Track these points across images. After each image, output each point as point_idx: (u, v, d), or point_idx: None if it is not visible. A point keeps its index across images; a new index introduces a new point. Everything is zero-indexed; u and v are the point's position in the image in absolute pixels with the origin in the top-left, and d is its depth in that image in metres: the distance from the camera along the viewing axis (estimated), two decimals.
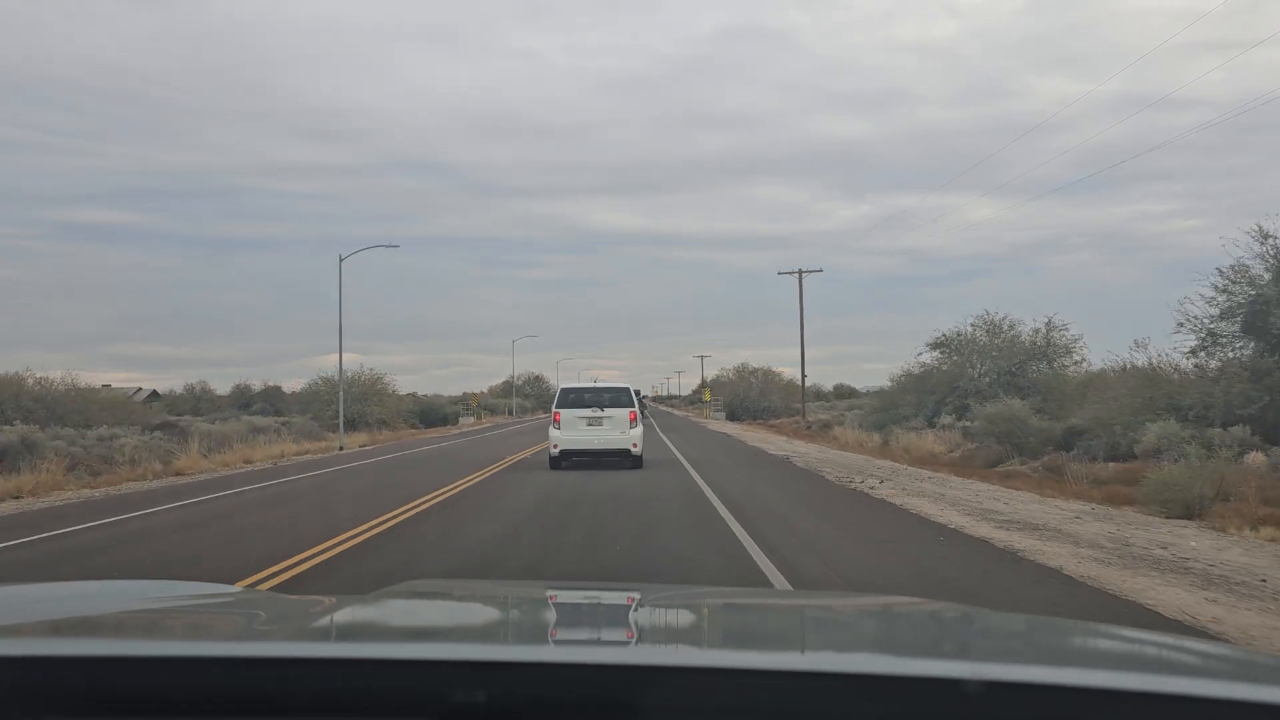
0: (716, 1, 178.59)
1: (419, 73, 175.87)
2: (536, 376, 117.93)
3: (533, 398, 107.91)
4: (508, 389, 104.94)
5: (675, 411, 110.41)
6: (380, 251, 36.12)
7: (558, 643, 1.63)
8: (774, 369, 70.16)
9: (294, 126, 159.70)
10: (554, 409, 20.11)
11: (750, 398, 65.79)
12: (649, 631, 1.75)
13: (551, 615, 1.98)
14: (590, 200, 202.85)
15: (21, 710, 1.04)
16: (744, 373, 71.76)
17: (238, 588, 1.98)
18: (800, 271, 49.76)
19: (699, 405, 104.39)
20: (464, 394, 67.80)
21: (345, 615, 1.76)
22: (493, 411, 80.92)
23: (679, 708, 1.11)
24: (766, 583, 7.57)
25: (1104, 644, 1.71)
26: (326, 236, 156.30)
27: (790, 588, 7.38)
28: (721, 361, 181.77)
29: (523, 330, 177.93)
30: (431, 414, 60.94)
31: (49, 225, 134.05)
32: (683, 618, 1.92)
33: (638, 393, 21.63)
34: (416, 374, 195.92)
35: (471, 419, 65.01)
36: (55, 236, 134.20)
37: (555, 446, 19.66)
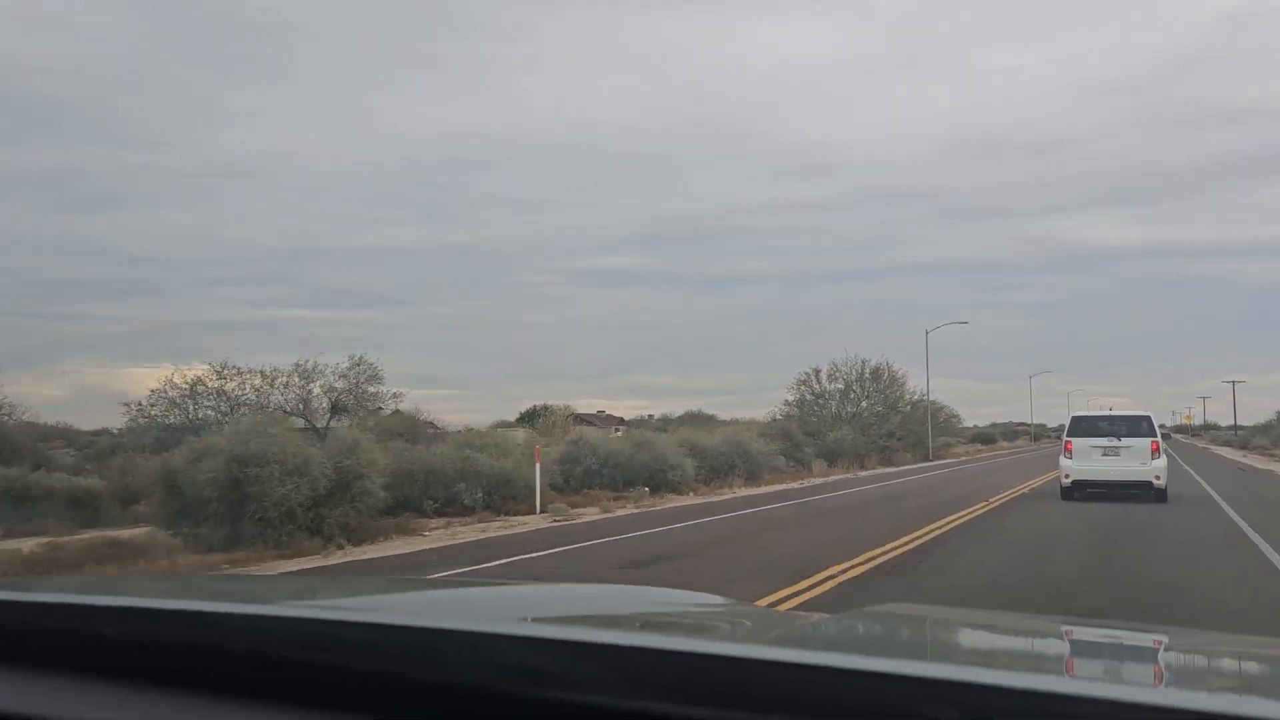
0: None
1: (890, 103, 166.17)
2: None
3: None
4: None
5: None
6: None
7: (1071, 676, 1.47)
8: None
9: (773, 168, 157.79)
10: (1065, 437, 19.89)
11: None
12: (1179, 676, 1.55)
13: (1057, 647, 1.80)
14: (1081, 215, 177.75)
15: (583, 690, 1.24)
16: None
17: (728, 599, 2.21)
18: None
19: None
20: None
21: (826, 628, 1.80)
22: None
23: None
24: None
25: None
26: (808, 269, 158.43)
27: None
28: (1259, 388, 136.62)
29: (1011, 353, 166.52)
30: None
31: (568, 272, 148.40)
32: (1224, 665, 1.69)
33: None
34: None
35: None
36: (573, 282, 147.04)
37: (1067, 476, 19.33)
